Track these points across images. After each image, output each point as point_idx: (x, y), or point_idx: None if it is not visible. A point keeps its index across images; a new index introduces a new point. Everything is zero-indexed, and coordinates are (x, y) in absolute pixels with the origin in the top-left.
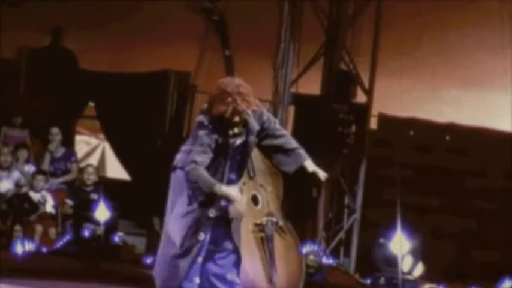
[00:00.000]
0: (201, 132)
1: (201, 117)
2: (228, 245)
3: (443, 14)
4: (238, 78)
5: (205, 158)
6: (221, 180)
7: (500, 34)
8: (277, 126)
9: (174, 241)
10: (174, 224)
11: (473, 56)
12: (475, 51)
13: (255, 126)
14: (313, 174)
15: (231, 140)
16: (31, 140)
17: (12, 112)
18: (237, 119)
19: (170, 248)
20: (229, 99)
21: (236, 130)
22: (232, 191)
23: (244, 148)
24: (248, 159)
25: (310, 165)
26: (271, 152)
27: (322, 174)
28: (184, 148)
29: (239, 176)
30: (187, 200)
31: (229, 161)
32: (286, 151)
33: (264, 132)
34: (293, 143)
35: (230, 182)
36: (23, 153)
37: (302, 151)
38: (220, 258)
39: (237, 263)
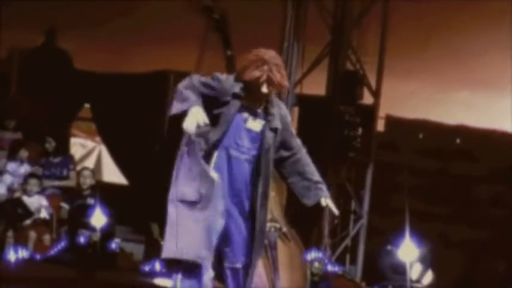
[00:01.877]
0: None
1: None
2: (242, 258)
3: (452, 15)
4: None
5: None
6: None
7: (510, 35)
8: (299, 141)
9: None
10: (185, 181)
11: (483, 57)
12: (484, 52)
13: (276, 117)
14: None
15: (244, 116)
16: (27, 146)
17: (3, 115)
18: (265, 89)
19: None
20: (265, 67)
21: (258, 109)
22: (189, 119)
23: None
24: (266, 156)
25: (325, 200)
26: (290, 173)
27: (334, 210)
28: None
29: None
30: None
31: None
32: (308, 182)
33: (283, 140)
34: (316, 174)
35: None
36: (24, 154)
37: (324, 186)
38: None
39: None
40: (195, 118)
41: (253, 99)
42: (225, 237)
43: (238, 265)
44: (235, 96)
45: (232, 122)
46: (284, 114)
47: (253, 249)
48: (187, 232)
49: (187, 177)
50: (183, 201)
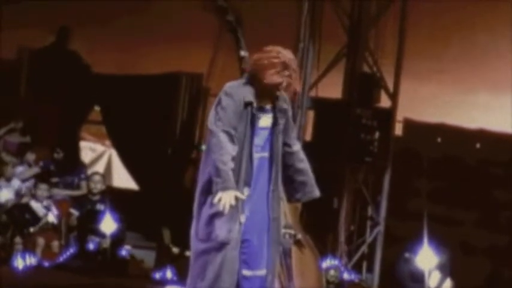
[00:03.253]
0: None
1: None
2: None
3: (473, 13)
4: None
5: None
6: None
7: None
8: (295, 135)
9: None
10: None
11: (505, 57)
12: (507, 53)
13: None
14: None
15: (257, 116)
16: (35, 148)
17: (12, 116)
18: (281, 93)
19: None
20: (286, 73)
21: (267, 106)
22: (224, 197)
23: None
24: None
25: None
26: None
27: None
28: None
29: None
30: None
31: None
32: (301, 179)
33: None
34: (310, 172)
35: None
36: (30, 157)
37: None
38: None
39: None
40: (228, 202)
41: (264, 98)
42: (242, 245)
43: (258, 272)
44: (247, 103)
45: (250, 129)
46: (287, 106)
47: (271, 253)
48: (214, 274)
49: (218, 218)
50: (213, 241)
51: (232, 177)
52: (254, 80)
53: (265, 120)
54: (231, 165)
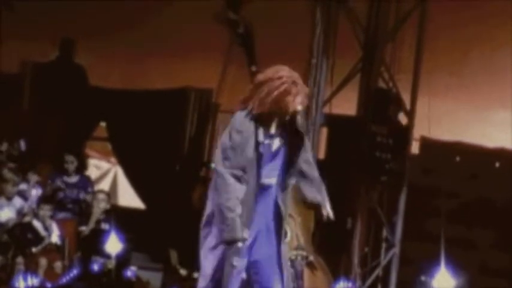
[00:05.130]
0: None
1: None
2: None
3: (494, 26)
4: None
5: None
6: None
7: None
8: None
9: (204, 274)
10: (206, 256)
11: None
12: None
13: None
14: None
15: (267, 142)
16: (38, 166)
17: (14, 132)
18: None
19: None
20: (299, 99)
21: (273, 129)
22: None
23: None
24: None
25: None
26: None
27: (328, 211)
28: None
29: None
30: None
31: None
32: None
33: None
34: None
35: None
36: (33, 178)
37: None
38: None
39: None
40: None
41: (270, 122)
42: (253, 264)
43: None
44: (257, 143)
45: (257, 163)
46: (301, 128)
47: (283, 272)
48: None
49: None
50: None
51: (240, 224)
52: (263, 109)
53: (273, 145)
54: (239, 211)
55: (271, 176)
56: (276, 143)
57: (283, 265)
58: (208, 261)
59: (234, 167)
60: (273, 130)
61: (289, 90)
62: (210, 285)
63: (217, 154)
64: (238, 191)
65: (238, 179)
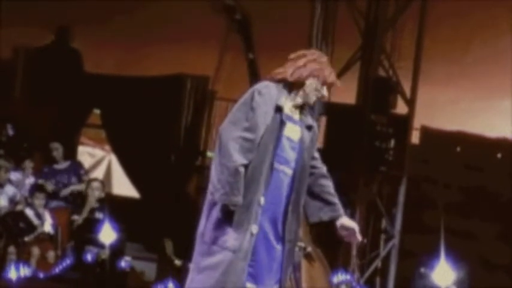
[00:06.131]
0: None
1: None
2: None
3: (496, 14)
4: None
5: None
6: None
7: None
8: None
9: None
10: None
11: None
12: None
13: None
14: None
15: (286, 125)
16: (31, 154)
17: (5, 120)
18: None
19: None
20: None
21: (296, 116)
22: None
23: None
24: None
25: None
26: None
27: (357, 235)
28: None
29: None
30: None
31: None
32: (325, 202)
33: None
34: (334, 194)
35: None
36: (29, 165)
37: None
38: None
39: None
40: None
41: (295, 107)
42: (252, 257)
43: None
44: (278, 108)
45: (276, 136)
46: (313, 123)
47: (282, 271)
48: (217, 282)
49: (228, 224)
50: (219, 247)
51: (237, 189)
52: (298, 77)
53: (292, 129)
54: (240, 175)
55: (282, 163)
56: (293, 130)
57: (285, 269)
58: (218, 229)
59: (247, 129)
60: (296, 116)
61: (327, 65)
62: (220, 251)
63: (235, 111)
64: (243, 155)
65: (248, 142)
